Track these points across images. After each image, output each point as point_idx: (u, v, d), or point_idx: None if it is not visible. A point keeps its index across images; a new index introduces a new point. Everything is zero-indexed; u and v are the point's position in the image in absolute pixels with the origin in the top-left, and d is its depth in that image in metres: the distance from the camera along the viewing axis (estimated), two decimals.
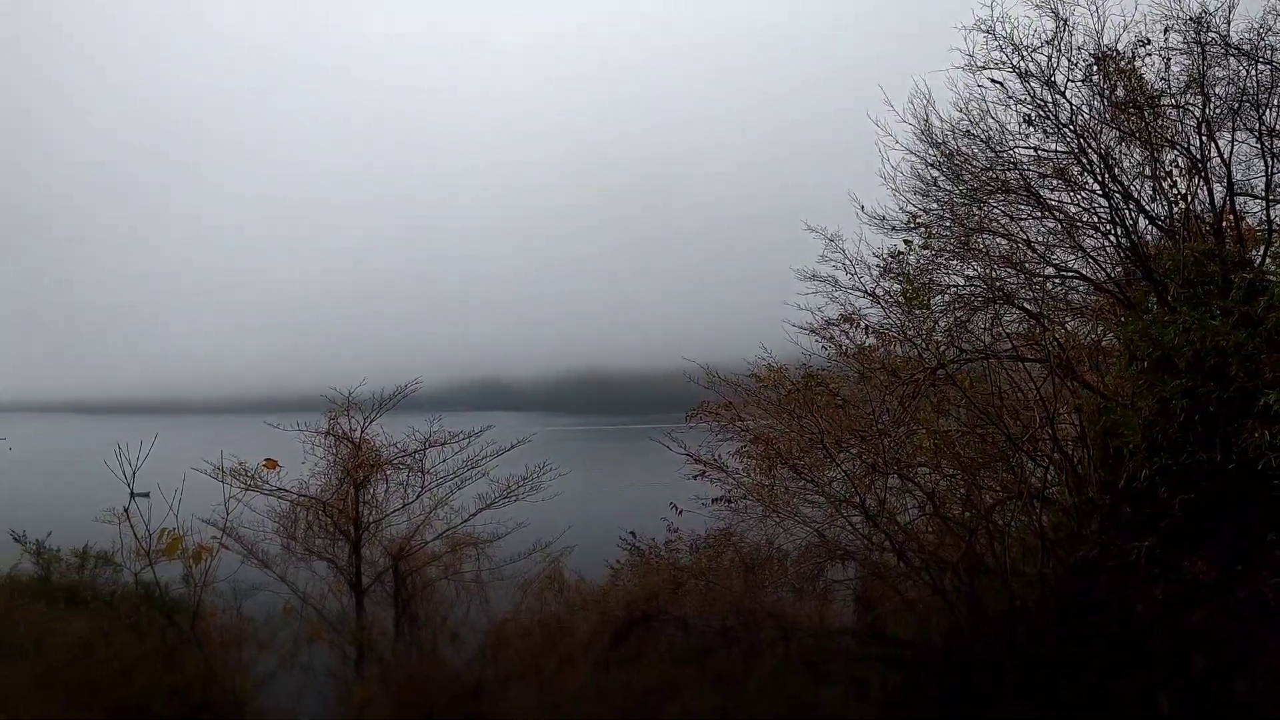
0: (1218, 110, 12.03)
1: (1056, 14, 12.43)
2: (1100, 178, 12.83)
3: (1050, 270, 13.70)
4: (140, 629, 13.16)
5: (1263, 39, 11.60)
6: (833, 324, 14.69)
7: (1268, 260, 11.64)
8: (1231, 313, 9.77)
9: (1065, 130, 12.82)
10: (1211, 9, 11.81)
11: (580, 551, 14.31)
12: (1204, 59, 11.90)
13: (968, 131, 13.49)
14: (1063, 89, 12.71)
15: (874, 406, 12.71)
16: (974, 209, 13.93)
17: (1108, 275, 12.98)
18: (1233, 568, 9.31)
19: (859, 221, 14.46)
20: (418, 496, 13.37)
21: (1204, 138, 12.16)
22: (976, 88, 13.28)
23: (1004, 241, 13.82)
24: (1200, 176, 12.38)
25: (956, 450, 12.46)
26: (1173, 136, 12.44)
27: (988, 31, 12.81)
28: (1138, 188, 12.75)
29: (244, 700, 10.91)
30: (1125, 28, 12.40)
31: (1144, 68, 12.52)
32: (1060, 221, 13.33)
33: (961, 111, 13.50)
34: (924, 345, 13.07)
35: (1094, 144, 12.81)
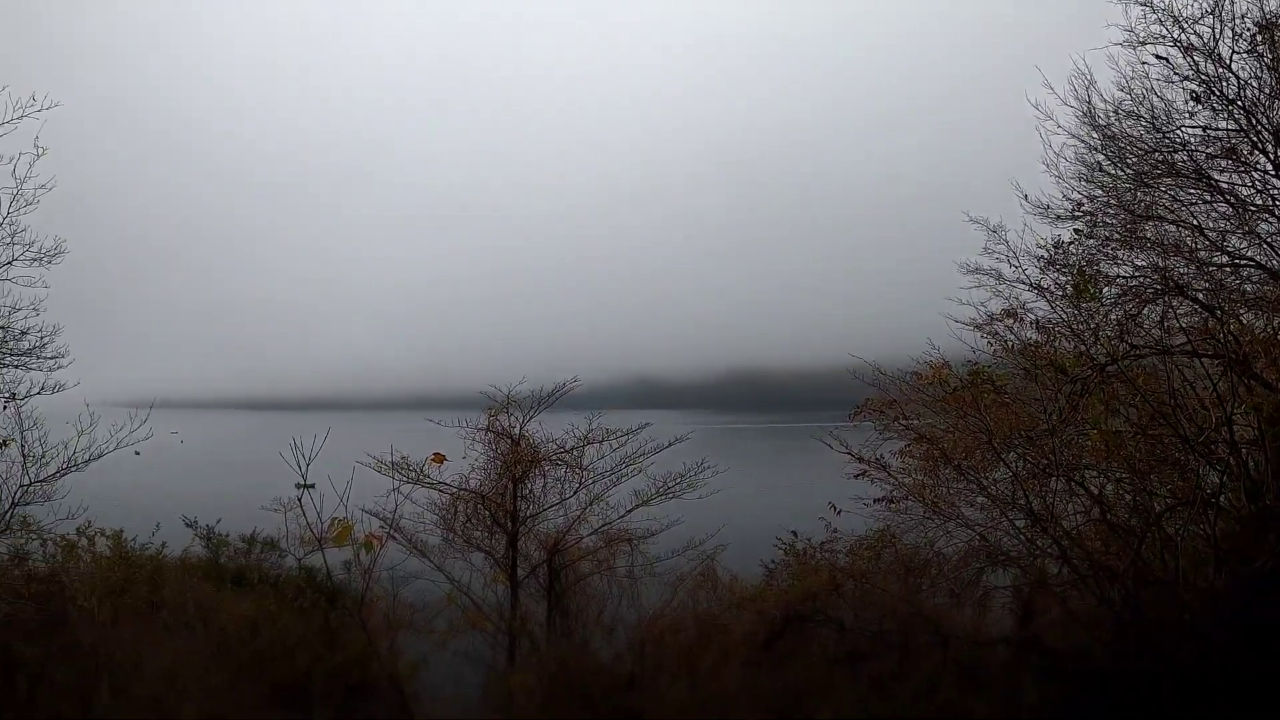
0: None
1: None
2: (1272, 156, 12.88)
3: (1224, 258, 13.74)
4: (303, 611, 15.21)
5: None
6: (996, 319, 15.13)
7: None
8: None
9: (1233, 106, 12.85)
10: None
11: (734, 550, 15.18)
12: None
13: (1131, 112, 13.69)
14: (1228, 61, 12.71)
15: (1044, 405, 12.82)
16: (1140, 194, 14.08)
17: None
18: None
19: (1023, 211, 14.96)
20: (575, 493, 14.61)
21: None
22: (1139, 65, 13.42)
23: (1173, 228, 13.95)
24: None
25: (1126, 452, 12.56)
26: None
27: (1145, 4, 12.96)
28: None
29: (402, 682, 12.04)
30: None
31: None
32: (1232, 205, 13.40)
33: (1124, 90, 13.69)
34: (1092, 340, 13.19)
35: (1264, 120, 12.82)
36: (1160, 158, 13.63)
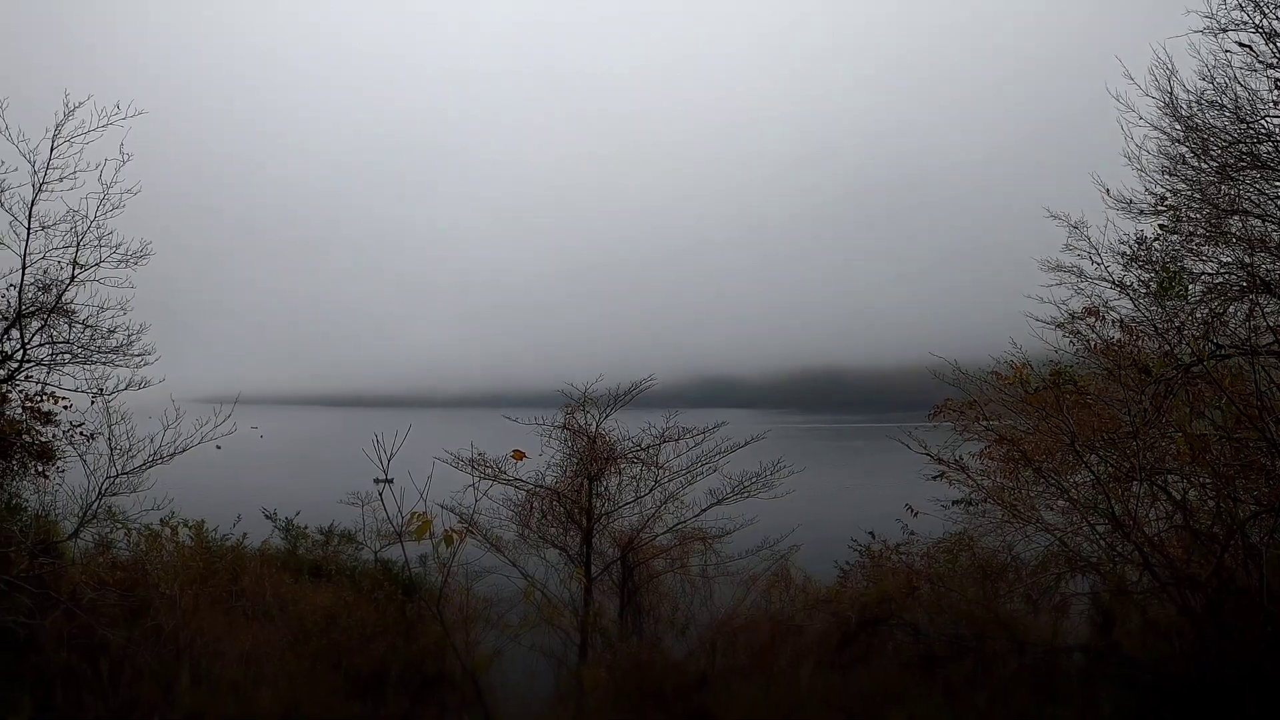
0: None
1: None
2: None
3: None
4: (379, 603, 15.74)
5: None
6: (1078, 317, 15.05)
7: None
8: None
9: None
10: None
11: (808, 551, 15.50)
12: None
13: (1214, 102, 13.39)
14: None
15: (1127, 406, 12.70)
16: (1225, 187, 13.73)
17: None
18: None
19: (1104, 206, 14.72)
20: (650, 490, 14.95)
21: None
22: (1220, 53, 13.14)
23: (1260, 223, 13.66)
24: None
25: (1211, 456, 12.08)
26: None
27: None
28: None
29: (478, 675, 12.25)
30: None
31: None
32: None
33: (1206, 80, 13.40)
34: (1176, 340, 13.08)
35: None
36: (1245, 149, 13.32)
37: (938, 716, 11.34)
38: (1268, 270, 13.38)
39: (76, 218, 12.31)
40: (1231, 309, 13.61)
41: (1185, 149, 13.86)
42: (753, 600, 14.49)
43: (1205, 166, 13.77)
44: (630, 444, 15.24)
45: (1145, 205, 14.52)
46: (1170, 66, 13.67)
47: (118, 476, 12.58)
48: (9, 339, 12.72)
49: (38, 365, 13.06)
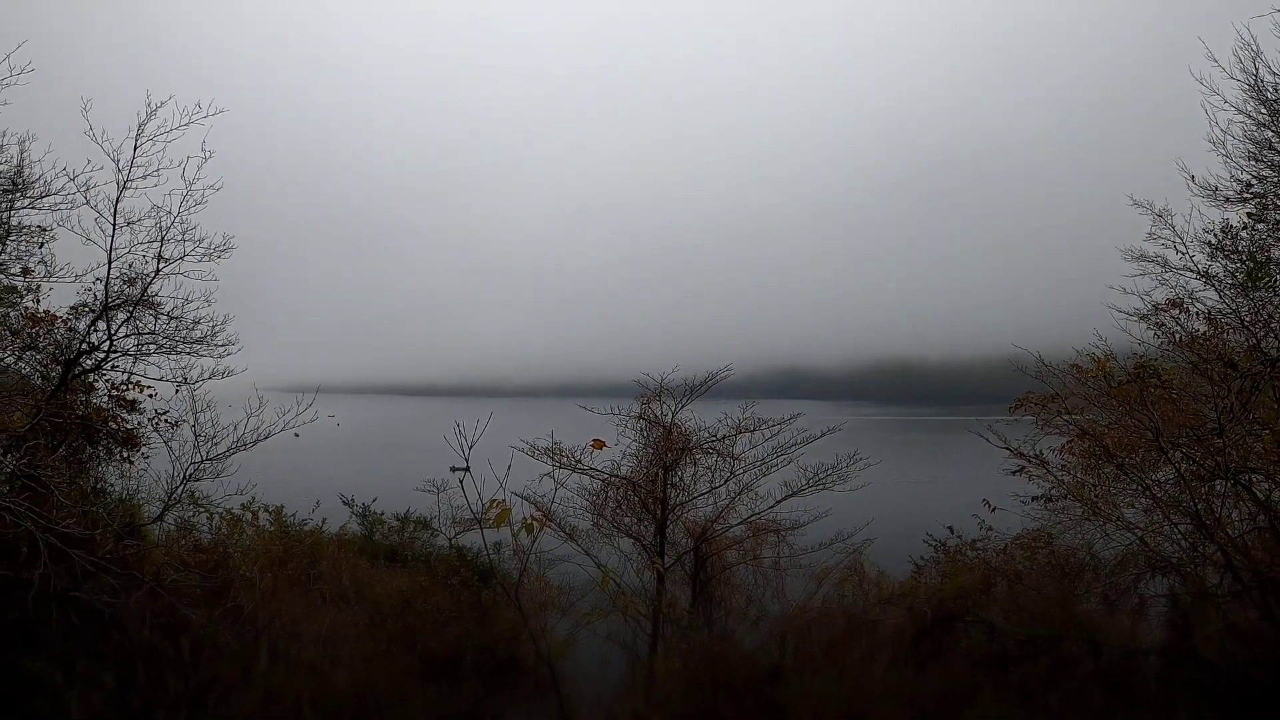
0: None
1: None
2: None
3: None
4: (453, 588, 16.27)
5: None
6: (1161, 309, 14.69)
7: None
8: None
9: None
10: None
11: (882, 545, 15.65)
12: None
13: None
14: None
15: (1213, 402, 12.42)
16: None
17: None
18: None
19: (1189, 193, 14.24)
20: (725, 482, 15.19)
21: None
22: None
23: None
24: None
25: None
26: None
27: None
28: None
29: (554, 661, 12.38)
30: None
31: None
32: None
33: None
34: (1263, 333, 12.79)
35: None
36: None
37: (1011, 717, 11.33)
38: None
39: (160, 213, 12.76)
40: None
41: (1272, 133, 13.57)
42: (825, 594, 14.68)
43: None
44: (706, 434, 15.48)
45: (1231, 192, 14.13)
46: (1255, 48, 13.30)
47: (202, 462, 13.11)
48: (96, 330, 13.24)
49: (123, 355, 13.54)
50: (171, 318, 13.41)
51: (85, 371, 13.61)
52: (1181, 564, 12.85)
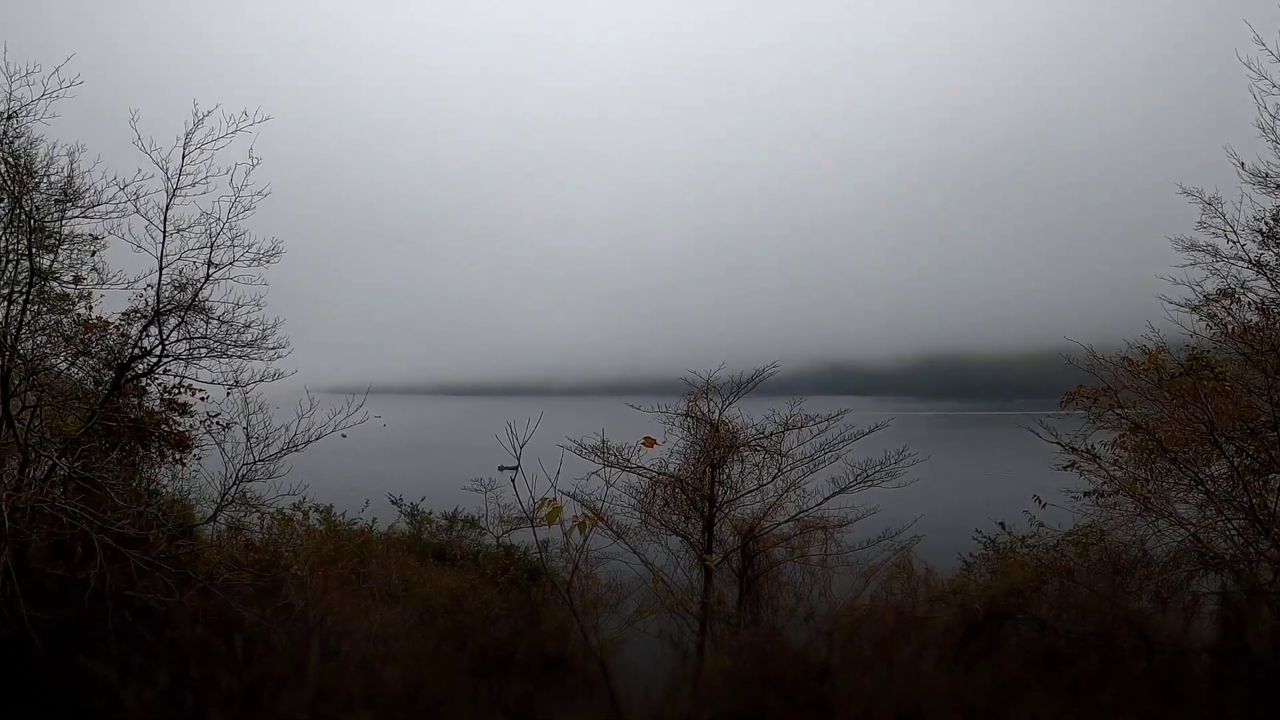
0: None
1: None
2: None
3: None
4: (502, 586, 16.57)
5: None
6: (1213, 300, 14.48)
7: None
8: None
9: None
10: None
11: (930, 541, 15.71)
12: None
13: None
14: None
15: (1269, 394, 12.19)
16: None
17: None
18: None
19: (1240, 180, 13.93)
20: (772, 479, 15.33)
21: None
22: None
23: None
24: None
25: None
26: None
27: None
28: None
29: (605, 658, 12.32)
30: None
31: None
32: None
33: None
34: None
35: None
36: None
37: (1062, 716, 11.36)
38: None
39: (209, 220, 13.04)
40: None
41: None
42: (872, 591, 14.73)
43: None
44: (753, 431, 15.60)
45: None
46: None
47: (255, 463, 13.38)
48: (148, 335, 13.54)
49: (175, 360, 13.86)
50: (222, 322, 13.67)
51: (138, 376, 13.96)
52: (1235, 560, 12.75)
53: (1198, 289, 14.47)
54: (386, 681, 12.24)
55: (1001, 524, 16.37)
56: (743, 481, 15.54)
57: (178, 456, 15.00)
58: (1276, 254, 13.94)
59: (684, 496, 15.50)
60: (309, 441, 13.51)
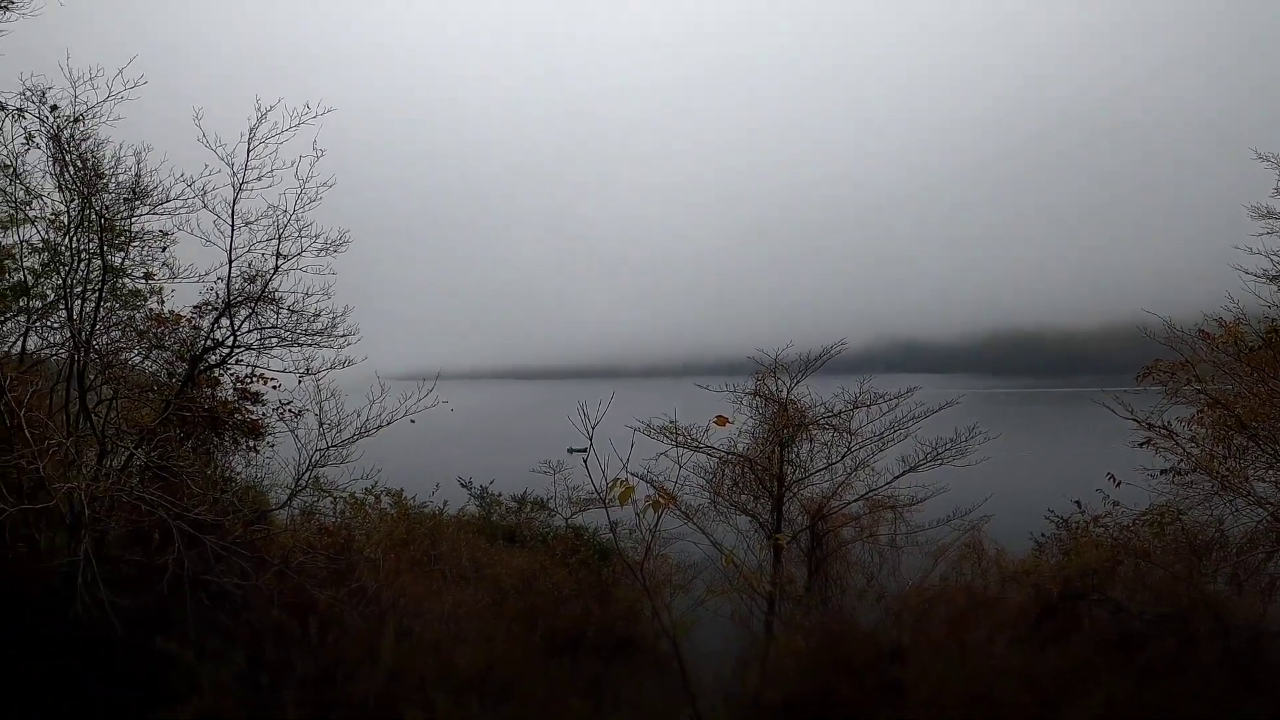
0: None
1: None
2: None
3: None
4: (573, 567, 16.82)
5: None
6: None
7: None
8: None
9: None
10: None
11: (1001, 521, 15.66)
12: None
13: None
14: None
15: None
16: None
17: None
18: None
19: None
20: (842, 457, 15.45)
21: None
22: None
23: None
24: None
25: None
26: None
27: None
28: None
29: (678, 638, 11.90)
30: None
31: None
32: None
33: None
34: None
35: None
36: None
37: (1133, 700, 11.15)
38: None
39: (277, 212, 13.37)
40: None
41: None
42: (942, 571, 14.69)
43: None
44: (822, 410, 15.65)
45: None
46: None
47: (328, 449, 13.66)
48: (219, 327, 13.92)
49: (247, 350, 14.21)
50: (292, 311, 13.97)
51: (211, 367, 14.31)
52: None
53: (1275, 258, 14.33)
54: (458, 663, 12.29)
55: (1077, 502, 16.13)
56: (811, 460, 15.63)
57: (251, 444, 15.39)
58: None
59: (752, 476, 15.61)
60: (380, 427, 13.77)
